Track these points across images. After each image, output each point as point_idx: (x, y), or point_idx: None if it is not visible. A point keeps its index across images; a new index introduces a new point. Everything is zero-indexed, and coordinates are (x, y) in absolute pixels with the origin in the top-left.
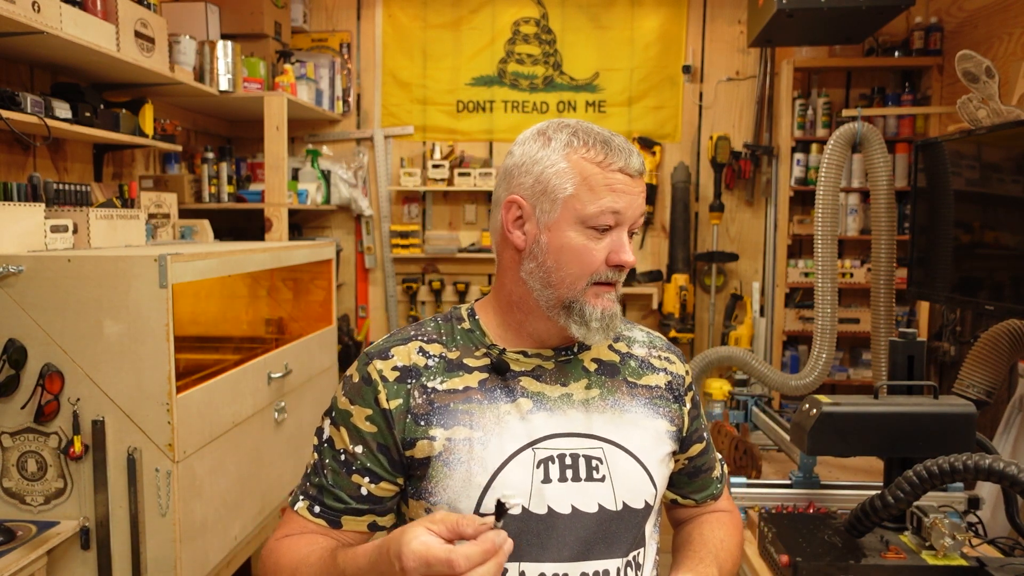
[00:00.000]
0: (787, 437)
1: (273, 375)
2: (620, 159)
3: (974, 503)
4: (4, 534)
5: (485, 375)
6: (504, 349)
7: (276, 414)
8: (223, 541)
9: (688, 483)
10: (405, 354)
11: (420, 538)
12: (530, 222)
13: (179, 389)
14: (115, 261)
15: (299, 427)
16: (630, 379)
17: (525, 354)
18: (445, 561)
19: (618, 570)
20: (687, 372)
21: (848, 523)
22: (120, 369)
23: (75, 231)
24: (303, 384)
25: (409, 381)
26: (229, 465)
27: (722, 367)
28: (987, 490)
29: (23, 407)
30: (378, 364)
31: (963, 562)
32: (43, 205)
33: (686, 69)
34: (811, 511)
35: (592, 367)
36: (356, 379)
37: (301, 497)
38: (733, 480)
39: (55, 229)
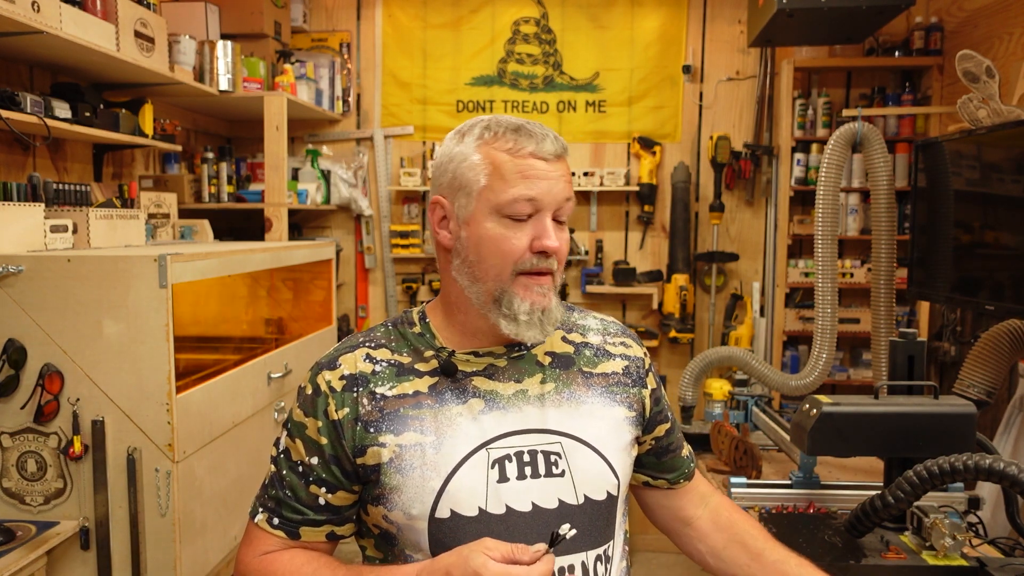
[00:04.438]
0: (787, 437)
1: (273, 375)
2: (531, 144)
3: (974, 503)
4: (4, 534)
5: (435, 379)
6: (453, 351)
7: (276, 414)
8: (223, 541)
9: (657, 463)
10: (352, 362)
11: (490, 565)
12: (452, 220)
13: (179, 389)
14: (115, 261)
15: None
16: (585, 369)
17: (476, 354)
18: None
19: (583, 564)
20: (645, 354)
21: (848, 523)
22: (120, 369)
23: (75, 231)
24: None
25: (356, 389)
26: (229, 465)
27: (722, 367)
28: (987, 490)
29: (23, 407)
30: (326, 375)
31: (963, 562)
32: (43, 205)
33: (686, 69)
34: (811, 511)
35: (546, 360)
36: (309, 391)
37: (260, 509)
38: (733, 480)
39: (55, 229)
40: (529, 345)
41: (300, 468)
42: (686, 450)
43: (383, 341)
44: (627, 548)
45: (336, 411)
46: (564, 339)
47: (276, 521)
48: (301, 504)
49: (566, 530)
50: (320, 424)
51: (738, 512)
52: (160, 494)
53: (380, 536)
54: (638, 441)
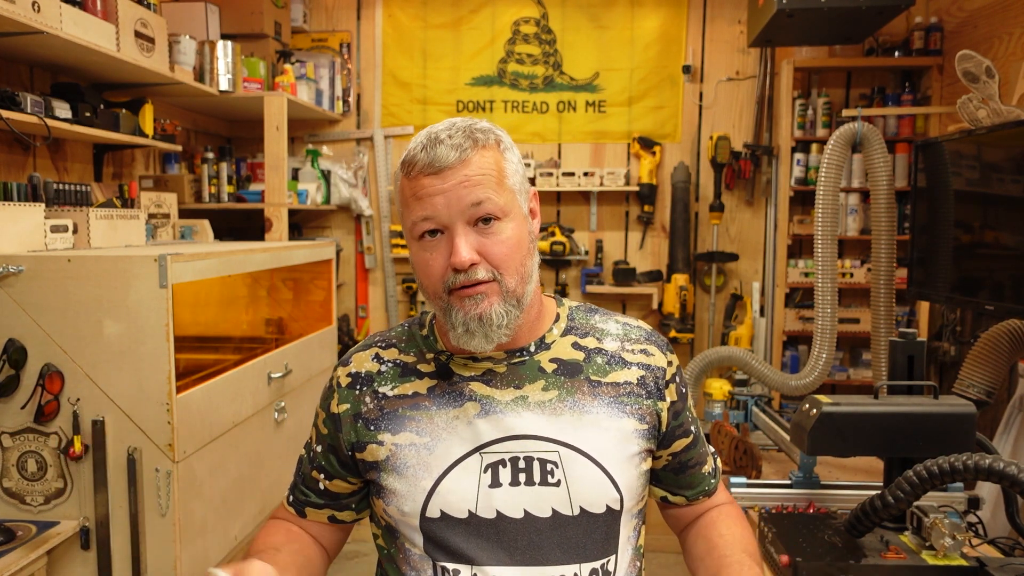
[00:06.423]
0: (787, 437)
1: (273, 375)
2: (424, 159)
3: (974, 503)
4: (4, 534)
5: (435, 381)
6: (451, 355)
7: (276, 414)
8: (223, 541)
9: (675, 479)
10: (360, 361)
11: None
12: None
13: (179, 389)
14: (115, 261)
15: (299, 427)
16: (593, 377)
17: (475, 359)
18: None
19: (576, 575)
20: (670, 363)
21: (848, 523)
22: (120, 369)
23: (75, 231)
24: (303, 384)
25: (359, 387)
26: (229, 465)
27: (722, 367)
28: (987, 490)
29: (23, 407)
30: (339, 371)
31: (963, 562)
32: (43, 205)
33: (686, 69)
34: (811, 511)
35: (550, 368)
36: (327, 384)
37: (289, 488)
38: (733, 480)
39: (55, 229)
40: (532, 350)
41: (311, 454)
42: (709, 466)
43: (395, 341)
44: (640, 564)
45: (337, 406)
46: (575, 345)
47: (291, 498)
48: (307, 487)
49: (212, 574)
50: (324, 416)
51: (728, 517)
52: (160, 494)
53: (385, 527)
54: (653, 455)
